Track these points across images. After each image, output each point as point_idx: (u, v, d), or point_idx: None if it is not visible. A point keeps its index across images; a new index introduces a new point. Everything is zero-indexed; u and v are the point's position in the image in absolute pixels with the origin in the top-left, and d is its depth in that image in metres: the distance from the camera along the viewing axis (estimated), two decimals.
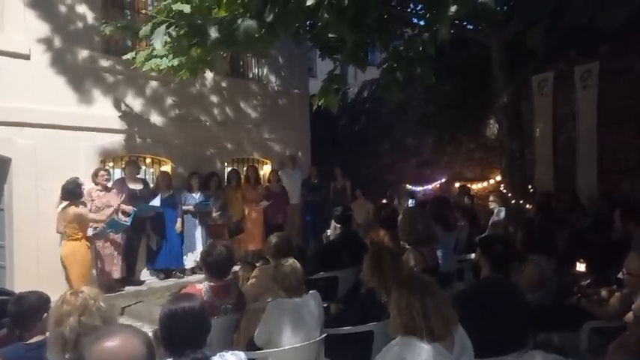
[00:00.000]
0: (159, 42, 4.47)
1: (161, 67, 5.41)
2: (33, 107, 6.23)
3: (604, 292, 3.72)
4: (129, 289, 6.70)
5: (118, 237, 6.52)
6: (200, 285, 3.40)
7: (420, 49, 5.53)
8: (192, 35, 4.50)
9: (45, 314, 2.49)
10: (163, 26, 4.51)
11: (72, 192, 5.58)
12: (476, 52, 8.07)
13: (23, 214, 6.16)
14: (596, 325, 3.25)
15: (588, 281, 4.09)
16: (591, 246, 4.80)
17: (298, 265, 3.29)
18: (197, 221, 7.50)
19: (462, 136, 9.85)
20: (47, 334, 2.39)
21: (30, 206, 6.17)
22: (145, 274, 7.33)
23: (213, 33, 4.25)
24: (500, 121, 7.62)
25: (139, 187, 7.01)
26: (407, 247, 4.28)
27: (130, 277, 6.90)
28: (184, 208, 7.40)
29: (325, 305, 3.67)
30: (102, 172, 6.47)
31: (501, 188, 7.84)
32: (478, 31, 7.43)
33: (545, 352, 1.12)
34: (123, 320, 5.23)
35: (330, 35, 5.32)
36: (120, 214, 6.46)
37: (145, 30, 4.86)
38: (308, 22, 6.38)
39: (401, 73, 5.87)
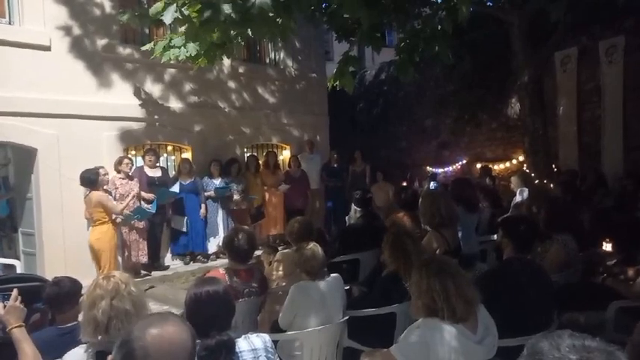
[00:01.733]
0: (169, 17, 4.47)
1: (180, 58, 5.44)
2: (55, 98, 6.35)
3: (631, 272, 3.66)
4: (155, 273, 6.87)
5: (142, 223, 6.65)
6: (222, 269, 3.45)
7: (438, 27, 5.45)
8: (203, 10, 4.47)
9: (80, 299, 2.56)
10: (174, 4, 4.51)
11: (88, 180, 5.68)
12: (495, 29, 7.90)
13: (49, 203, 6.32)
14: (623, 305, 3.20)
15: (614, 261, 4.02)
16: (616, 225, 4.71)
17: (319, 248, 3.31)
18: (219, 207, 7.60)
19: (482, 116, 9.68)
20: (80, 317, 2.46)
21: (55, 195, 6.32)
22: (168, 259, 7.48)
23: (227, 9, 4.23)
24: (522, 100, 7.48)
25: (157, 174, 7.11)
26: (428, 229, 4.26)
27: (155, 262, 7.06)
28: (206, 194, 7.50)
29: (347, 288, 3.69)
30: (126, 161, 6.58)
31: (524, 168, 7.72)
32: (498, 8, 7.27)
33: (573, 332, 1.12)
34: (150, 304, 5.35)
35: (345, 16, 5.26)
36: (142, 202, 6.58)
37: (156, 7, 4.86)
38: (324, 5, 6.33)
39: (417, 52, 5.79)
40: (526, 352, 1.14)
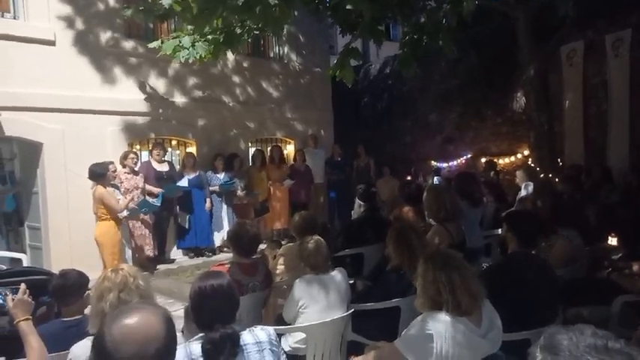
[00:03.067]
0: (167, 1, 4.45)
1: (190, 60, 5.44)
2: (60, 93, 6.37)
3: (636, 267, 3.65)
4: (161, 267, 6.89)
5: (148, 217, 6.68)
6: (228, 263, 3.46)
7: (443, 21, 5.43)
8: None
9: (86, 293, 2.58)
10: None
11: (97, 174, 5.67)
12: (501, 23, 7.85)
13: (55, 198, 6.35)
14: (628, 300, 3.20)
15: (620, 255, 4.02)
16: (622, 220, 4.69)
17: (323, 242, 3.32)
18: (222, 201, 7.62)
19: (486, 111, 9.64)
20: (86, 311, 2.48)
21: (60, 189, 6.35)
22: (174, 253, 7.51)
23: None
24: (527, 94, 7.45)
25: (165, 168, 7.13)
26: (432, 223, 4.26)
27: (160, 256, 7.09)
28: (210, 188, 7.51)
29: (351, 282, 3.70)
30: (131, 156, 6.59)
31: (530, 162, 7.70)
32: (503, 2, 7.22)
33: (597, 330, 1.04)
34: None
35: (348, 7, 5.24)
36: (147, 196, 6.60)
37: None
38: None
39: (421, 47, 5.77)
40: (543, 341, 1.09)
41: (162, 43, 5.75)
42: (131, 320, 1.30)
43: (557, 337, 1.06)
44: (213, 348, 2.00)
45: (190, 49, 5.29)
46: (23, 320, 2.29)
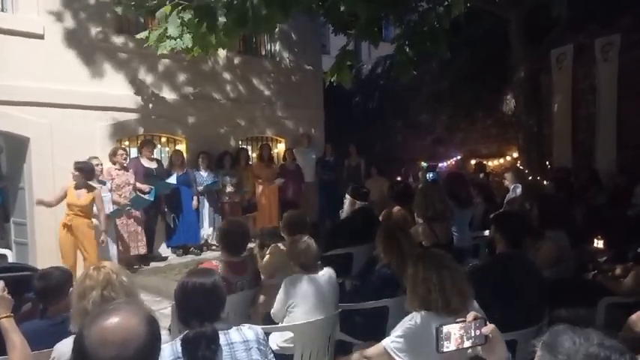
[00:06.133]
0: (174, 28, 4.47)
1: (175, 50, 5.40)
2: (49, 87, 6.29)
3: (619, 270, 3.69)
4: (149, 265, 6.86)
5: (139, 214, 6.63)
6: (216, 261, 3.44)
7: (435, 23, 5.43)
8: (201, 18, 4.49)
9: (70, 289, 2.54)
10: (175, 11, 4.51)
11: None
12: (492, 25, 7.89)
13: (41, 193, 6.23)
14: (612, 302, 3.23)
15: (605, 258, 4.06)
16: (608, 222, 4.74)
17: (313, 241, 3.31)
18: (204, 199, 7.60)
19: (477, 112, 9.70)
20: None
21: (48, 185, 6.26)
22: (164, 251, 7.46)
23: (221, 18, 4.25)
24: (517, 96, 7.50)
25: (154, 165, 7.08)
26: (420, 222, 4.27)
27: (149, 253, 7.04)
28: (198, 188, 7.48)
29: (340, 281, 3.69)
30: (120, 152, 6.55)
31: (518, 165, 7.75)
32: (496, 3, 7.25)
33: (604, 341, 1.01)
34: (143, 295, 5.34)
35: (342, 9, 5.24)
36: (137, 192, 6.55)
37: (160, 13, 4.87)
38: None
39: (415, 51, 5.77)
40: (546, 337, 1.07)
41: (149, 33, 5.69)
42: (110, 322, 1.28)
43: (560, 337, 1.03)
44: (188, 345, 1.99)
45: (178, 39, 5.21)
46: (4, 317, 2.26)
